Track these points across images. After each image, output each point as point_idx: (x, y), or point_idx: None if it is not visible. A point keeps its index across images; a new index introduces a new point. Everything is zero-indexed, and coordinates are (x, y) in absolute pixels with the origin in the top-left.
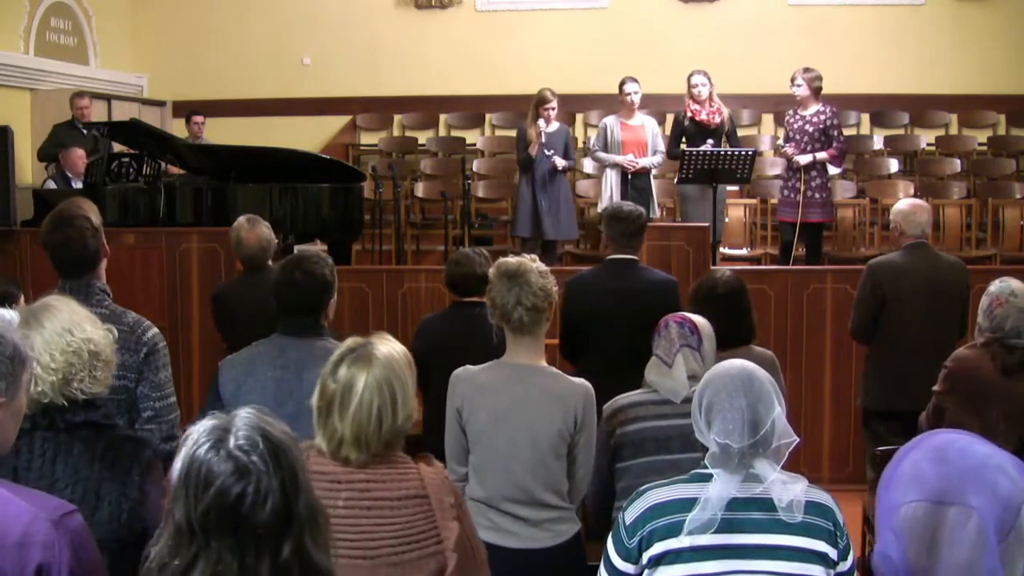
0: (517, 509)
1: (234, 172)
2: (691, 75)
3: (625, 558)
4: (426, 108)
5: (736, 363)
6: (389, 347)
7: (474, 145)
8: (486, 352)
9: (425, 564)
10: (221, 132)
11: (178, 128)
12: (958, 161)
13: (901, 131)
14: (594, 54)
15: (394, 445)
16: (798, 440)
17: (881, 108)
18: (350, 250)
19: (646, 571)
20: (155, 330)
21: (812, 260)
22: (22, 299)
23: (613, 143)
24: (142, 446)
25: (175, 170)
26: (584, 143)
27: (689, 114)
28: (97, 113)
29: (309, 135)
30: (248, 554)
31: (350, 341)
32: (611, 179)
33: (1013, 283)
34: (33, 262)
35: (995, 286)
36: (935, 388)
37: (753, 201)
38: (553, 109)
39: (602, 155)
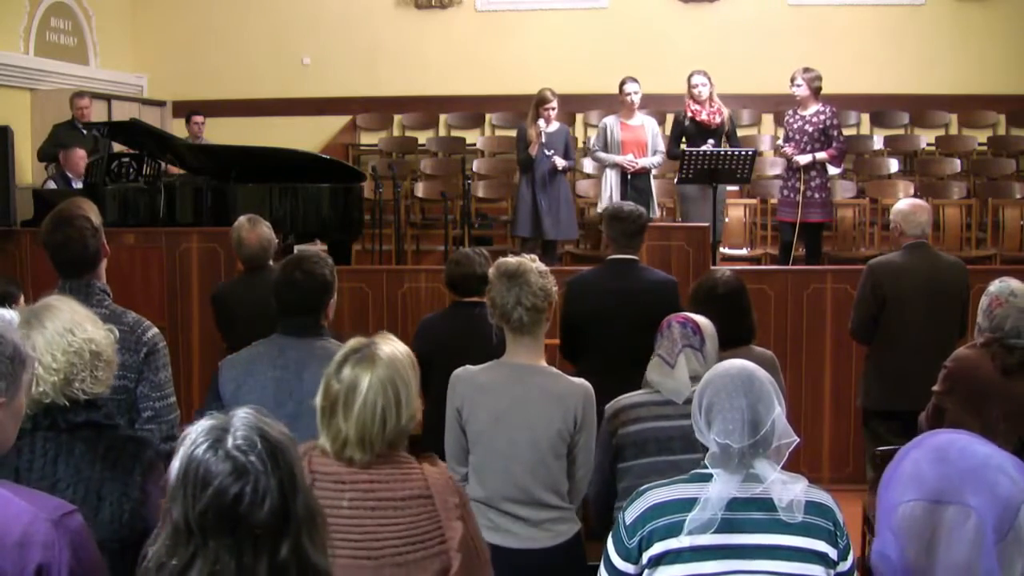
0: (517, 509)
1: (234, 172)
2: (691, 75)
3: (625, 558)
4: (426, 108)
5: (736, 363)
6: (393, 347)
7: (474, 145)
8: (486, 352)
9: (429, 564)
10: (221, 132)
11: (178, 128)
12: (958, 161)
13: (901, 131)
14: (594, 54)
15: (398, 445)
16: (798, 440)
17: (881, 108)
18: (350, 250)
19: (646, 571)
20: (155, 330)
21: (812, 260)
22: (22, 299)
23: (613, 143)
24: (144, 446)
25: (175, 170)
26: (584, 143)
27: (689, 114)
28: (97, 113)
29: (309, 135)
30: (246, 554)
31: (353, 341)
32: (611, 179)
33: (1013, 283)
34: (33, 262)
35: (995, 286)
36: (935, 388)
37: (753, 201)
38: (553, 109)
39: (602, 155)
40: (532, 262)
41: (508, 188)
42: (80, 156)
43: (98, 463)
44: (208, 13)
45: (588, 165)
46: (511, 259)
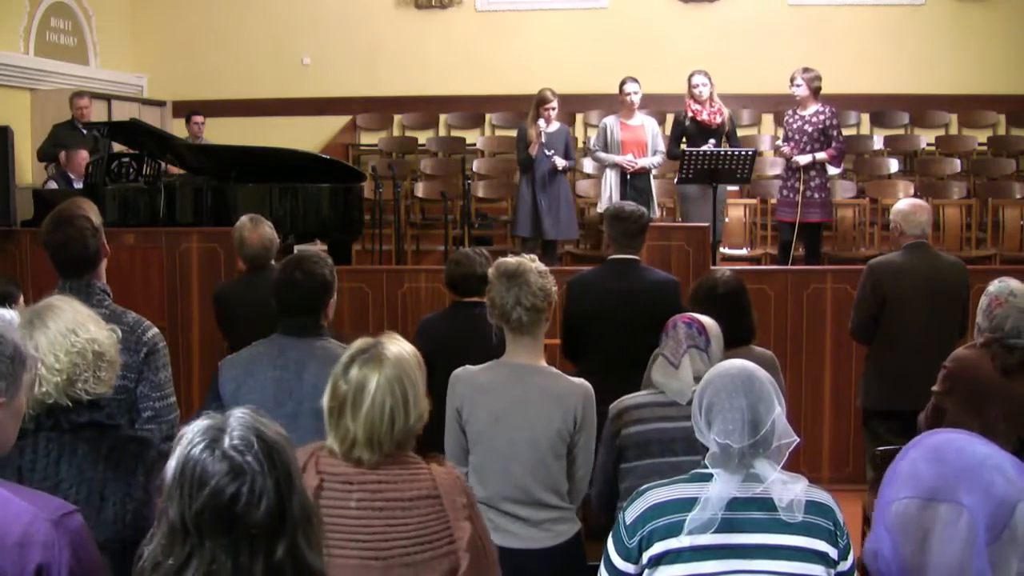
0: (517, 509)
1: (234, 172)
2: (692, 75)
3: (625, 558)
4: (426, 108)
5: (736, 363)
6: (399, 347)
7: (474, 145)
8: (486, 352)
9: (438, 564)
10: (221, 132)
11: (178, 128)
12: (958, 161)
13: (901, 131)
14: (594, 54)
15: (406, 446)
16: (798, 440)
17: (881, 108)
18: (350, 250)
19: (646, 571)
20: (155, 330)
21: (811, 260)
22: (22, 299)
23: (613, 143)
24: (146, 446)
25: (175, 170)
26: (584, 143)
27: (690, 114)
28: (97, 113)
29: (309, 135)
30: (242, 554)
31: (360, 342)
32: (610, 179)
33: (1012, 283)
34: (33, 262)
35: (994, 286)
36: (934, 388)
37: (753, 201)
38: (553, 109)
39: (602, 155)
40: (532, 262)
41: (508, 188)
42: (83, 157)
43: (101, 463)
44: (208, 13)
45: (588, 165)
46: (511, 259)
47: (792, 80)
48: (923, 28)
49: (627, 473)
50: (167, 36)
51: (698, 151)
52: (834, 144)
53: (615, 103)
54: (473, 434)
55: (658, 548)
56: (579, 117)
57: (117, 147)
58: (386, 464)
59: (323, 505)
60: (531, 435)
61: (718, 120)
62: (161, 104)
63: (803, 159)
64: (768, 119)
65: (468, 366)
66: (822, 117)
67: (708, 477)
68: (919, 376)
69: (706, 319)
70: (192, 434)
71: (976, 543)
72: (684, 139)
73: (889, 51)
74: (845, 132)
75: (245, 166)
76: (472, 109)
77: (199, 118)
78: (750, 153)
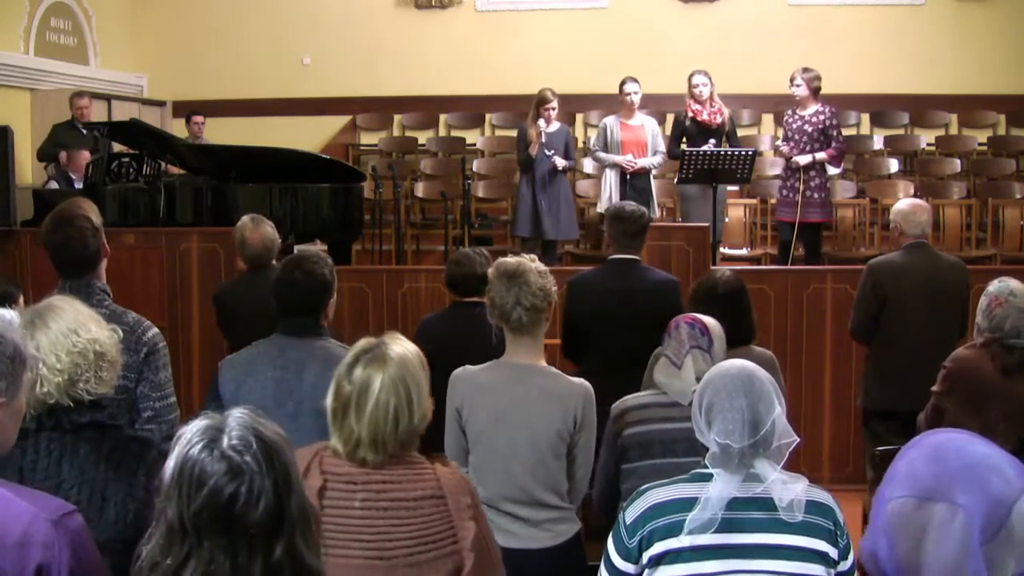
0: (517, 509)
1: (234, 172)
2: (692, 75)
3: (625, 557)
4: (426, 108)
5: (736, 363)
6: (403, 347)
7: (474, 145)
8: (486, 352)
9: (442, 564)
10: (221, 132)
11: (178, 128)
12: (958, 161)
13: (901, 131)
14: (594, 54)
15: (409, 445)
16: (798, 440)
17: (881, 108)
18: (350, 250)
19: (646, 571)
20: (155, 330)
21: (811, 260)
22: (21, 299)
23: (613, 143)
24: (147, 446)
25: (175, 170)
26: (584, 143)
27: (690, 114)
28: (97, 113)
29: (309, 135)
30: (240, 554)
31: (363, 342)
32: (610, 179)
33: (1012, 283)
34: (33, 262)
35: (994, 286)
36: (934, 388)
37: (753, 201)
38: (553, 109)
39: (602, 155)
40: (532, 262)
41: (508, 188)
42: (85, 157)
43: (102, 463)
44: (208, 13)
45: (588, 165)
46: (510, 259)
47: (792, 80)
48: (923, 28)
49: (629, 474)
50: (167, 36)
51: (698, 151)
52: (834, 144)
53: (615, 103)
54: (473, 434)
55: (658, 548)
56: (579, 117)
57: (117, 147)
58: (390, 464)
59: (327, 505)
60: (531, 435)
61: (718, 120)
62: (161, 104)
63: (803, 159)
64: (768, 119)
65: (468, 366)
66: (822, 117)
67: (708, 477)
68: (919, 376)
69: (709, 320)
70: (190, 434)
71: (971, 543)
72: (684, 139)
73: (889, 51)
74: (845, 132)
75: (245, 166)
76: (472, 109)
77: (199, 118)
78: (750, 153)
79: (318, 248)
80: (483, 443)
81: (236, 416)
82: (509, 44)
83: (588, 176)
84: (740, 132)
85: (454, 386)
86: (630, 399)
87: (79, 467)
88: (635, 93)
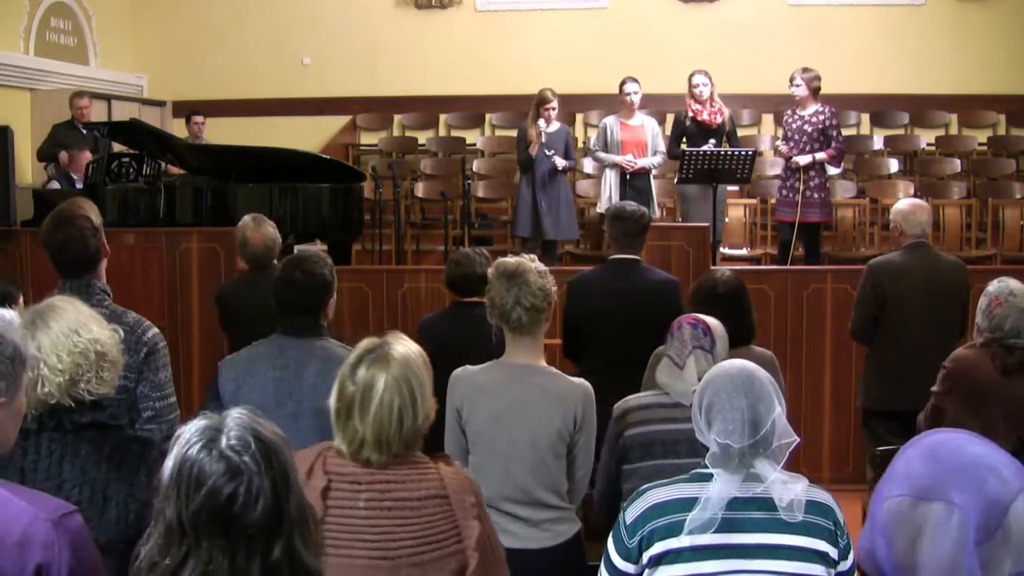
0: (517, 509)
1: (234, 172)
2: (692, 75)
3: (625, 557)
4: (426, 108)
5: (736, 363)
6: (406, 347)
7: (474, 145)
8: (486, 352)
9: (446, 564)
10: (221, 132)
11: (178, 128)
12: (958, 161)
13: (901, 131)
14: (594, 54)
15: (413, 445)
16: (798, 440)
17: (881, 108)
18: (350, 250)
19: (646, 571)
20: (155, 330)
21: (811, 260)
22: (21, 299)
23: (613, 143)
24: (149, 446)
25: (175, 170)
26: (584, 143)
27: (690, 114)
28: (97, 113)
29: (309, 135)
30: (239, 554)
31: (366, 342)
32: (610, 179)
33: (1012, 283)
34: (33, 262)
35: (993, 286)
36: (934, 389)
37: (753, 201)
38: (554, 109)
39: (602, 155)
40: (531, 262)
41: (508, 188)
42: (87, 158)
43: (104, 464)
44: (208, 13)
45: (588, 165)
46: (510, 259)
47: (792, 80)
48: (923, 28)
49: (630, 474)
50: (167, 36)
51: (698, 151)
52: (834, 144)
53: (615, 103)
54: (473, 434)
55: (658, 548)
56: (579, 117)
57: (117, 147)
58: (394, 464)
59: (331, 506)
60: (531, 435)
61: (718, 120)
62: (161, 104)
63: (803, 159)
64: (768, 119)
65: (468, 366)
66: (821, 117)
67: (708, 477)
68: (919, 376)
69: (711, 320)
70: (189, 434)
71: (967, 542)
72: (684, 139)
73: (889, 51)
74: (845, 132)
75: (245, 166)
76: (472, 109)
77: (199, 118)
78: (750, 153)
79: (318, 248)
80: (483, 443)
81: (235, 416)
82: (509, 44)
83: (588, 176)
84: (740, 132)
85: (454, 386)
86: (632, 399)
87: (80, 467)
88: (635, 93)
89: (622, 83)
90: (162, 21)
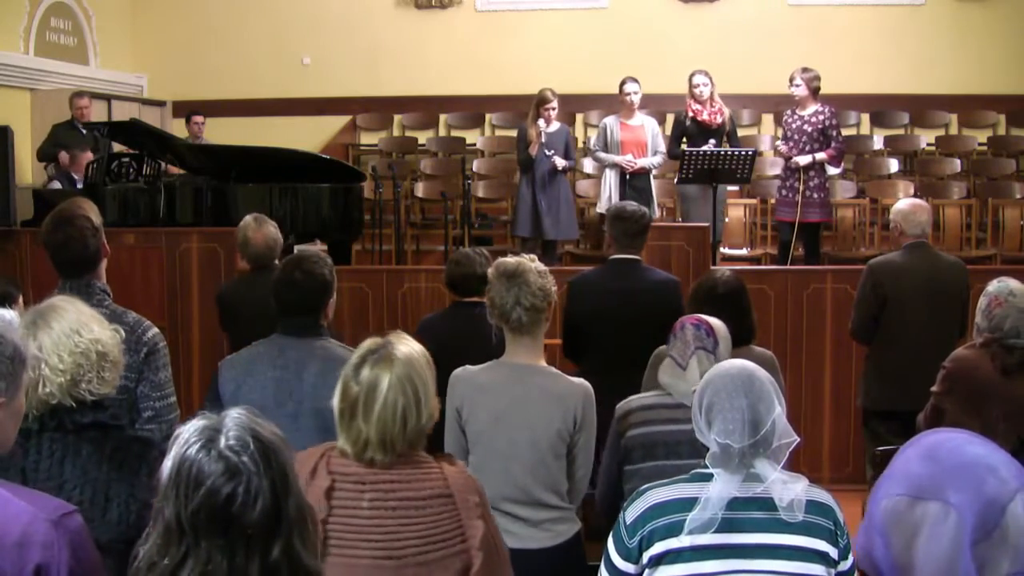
0: (517, 509)
1: (234, 172)
2: (693, 75)
3: (626, 557)
4: (426, 108)
5: (736, 363)
6: (409, 346)
7: (474, 145)
8: (486, 352)
9: (451, 563)
10: (221, 132)
11: (178, 128)
12: (958, 161)
13: (901, 131)
14: (594, 54)
15: (417, 445)
16: (798, 440)
17: (881, 108)
18: (350, 250)
19: (647, 570)
20: (155, 330)
21: (810, 260)
22: (21, 299)
23: (613, 143)
24: (150, 447)
25: (175, 170)
26: (584, 143)
27: (691, 114)
28: (97, 113)
29: (309, 135)
30: (238, 554)
31: (369, 342)
32: (610, 179)
33: (1011, 283)
34: (33, 262)
35: (993, 286)
36: (934, 389)
37: (753, 201)
38: (554, 109)
39: (602, 155)
40: (531, 262)
41: (508, 188)
42: (88, 158)
43: (105, 464)
44: (208, 13)
45: (588, 165)
46: (510, 259)
47: (791, 80)
48: (923, 28)
49: (632, 475)
50: (167, 36)
51: (698, 151)
52: (833, 144)
53: (615, 103)
54: (473, 434)
55: (658, 548)
56: (579, 117)
57: (117, 147)
58: (398, 464)
59: (335, 506)
60: (531, 435)
61: (719, 120)
62: (161, 104)
63: (803, 159)
64: (768, 119)
65: (468, 366)
66: (821, 117)
67: (708, 477)
68: (919, 376)
69: (715, 321)
70: (188, 434)
71: (963, 542)
72: (685, 139)
73: (889, 51)
74: (845, 132)
75: (245, 166)
76: (472, 109)
77: (199, 118)
78: (750, 153)
79: (318, 248)
80: (483, 443)
81: (233, 416)
82: (509, 44)
83: (588, 176)
84: (740, 132)
85: (454, 386)
86: (635, 400)
87: (82, 467)
88: (635, 93)
89: (622, 83)
90: (162, 21)
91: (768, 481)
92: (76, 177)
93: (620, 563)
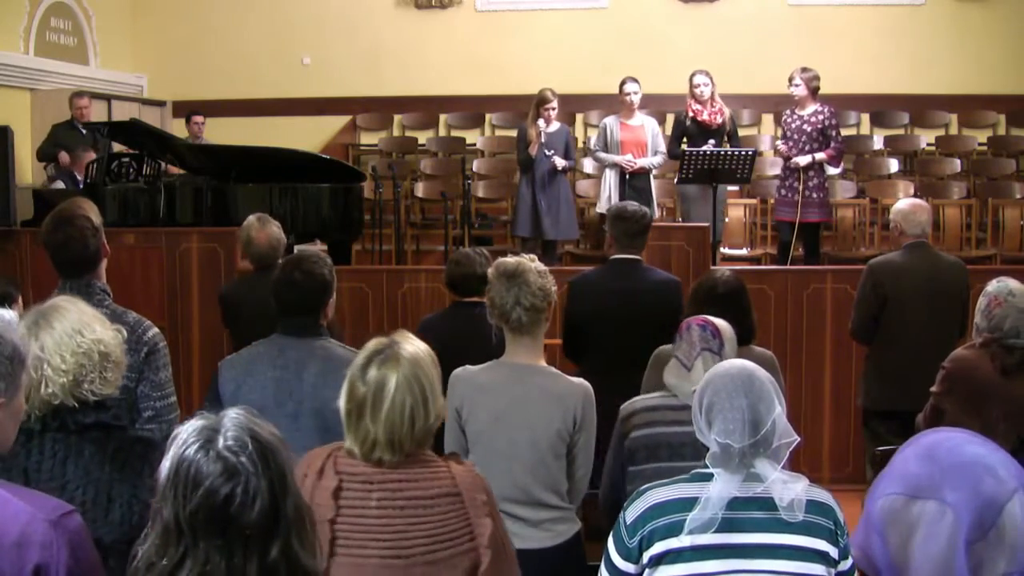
0: (517, 509)
1: (234, 172)
2: (693, 75)
3: (626, 557)
4: (426, 108)
5: (736, 363)
6: (414, 346)
7: (474, 145)
8: (486, 352)
9: (459, 562)
10: (221, 132)
11: (178, 128)
12: (958, 161)
13: (901, 131)
14: (594, 54)
15: (424, 444)
16: (799, 440)
17: (881, 108)
18: (350, 250)
19: (647, 570)
20: (155, 330)
21: (810, 260)
22: (20, 299)
23: (613, 143)
24: (152, 447)
25: (175, 170)
26: (584, 143)
27: (691, 114)
28: (97, 113)
29: (309, 135)
30: (236, 555)
31: (374, 342)
32: (610, 179)
33: (1011, 283)
34: (33, 262)
35: (993, 286)
36: (933, 389)
37: (753, 201)
38: (553, 109)
39: (602, 155)
40: (531, 262)
41: (508, 188)
42: (91, 158)
43: (107, 464)
44: (208, 13)
45: (588, 165)
46: (510, 259)
47: (791, 80)
48: (922, 28)
49: (635, 476)
50: (167, 36)
51: (698, 151)
52: (833, 144)
53: (615, 103)
54: (473, 434)
55: (659, 548)
56: (579, 117)
57: (117, 147)
58: (406, 463)
59: (343, 505)
60: (531, 435)
61: (719, 120)
62: (161, 104)
63: (802, 160)
64: (768, 119)
65: (468, 366)
66: (820, 117)
67: (708, 477)
68: (919, 376)
69: (720, 322)
70: (186, 434)
71: (958, 542)
72: (685, 139)
73: (888, 51)
74: (845, 132)
75: (245, 166)
76: (472, 109)
77: (199, 118)
78: (750, 153)
79: (318, 248)
80: (483, 443)
81: (231, 417)
82: (509, 44)
83: (588, 176)
84: (740, 132)
85: (454, 386)
86: (639, 401)
87: (84, 468)
88: (635, 93)
89: (622, 83)
90: (162, 21)
91: (768, 481)
92: (79, 177)
93: (620, 563)
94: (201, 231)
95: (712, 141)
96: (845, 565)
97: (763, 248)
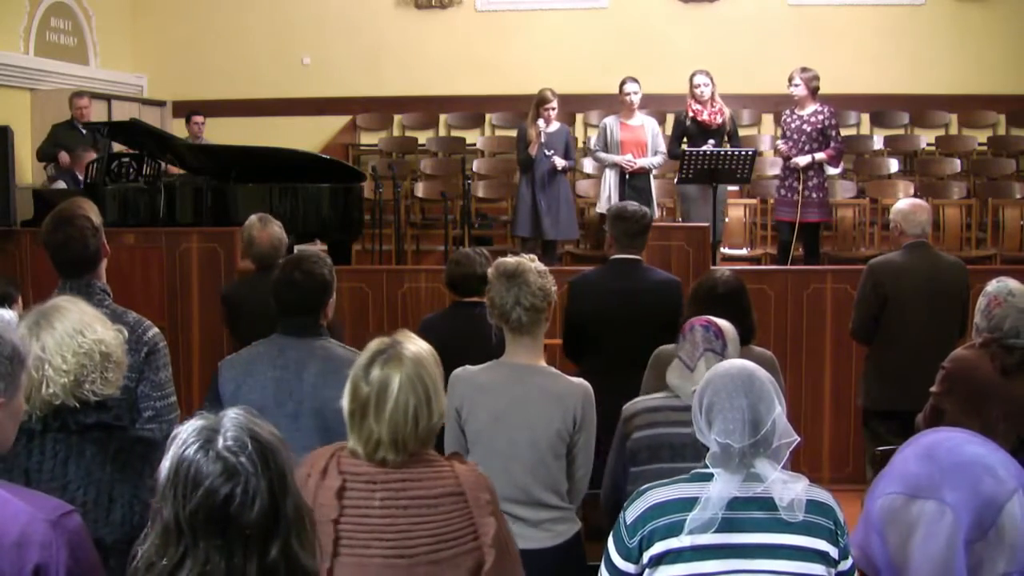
0: (516, 509)
1: (234, 172)
2: (693, 75)
3: (626, 557)
4: (426, 108)
5: (736, 363)
6: (417, 345)
7: (474, 145)
8: (486, 352)
9: (463, 561)
10: (221, 132)
11: (178, 128)
12: (958, 161)
13: (901, 131)
14: (594, 54)
15: (428, 444)
16: (799, 440)
17: (881, 108)
18: (350, 250)
19: (647, 570)
20: (155, 330)
21: (810, 260)
22: (20, 300)
23: (613, 143)
24: (153, 447)
25: (175, 170)
26: (584, 143)
27: (691, 114)
28: (97, 113)
29: (309, 135)
30: (236, 555)
31: (376, 342)
32: (610, 179)
33: (1011, 283)
34: (33, 262)
35: (992, 286)
36: (933, 389)
37: (753, 201)
38: (553, 109)
39: (602, 155)
40: (531, 262)
41: (508, 188)
42: (91, 158)
43: (108, 464)
44: (208, 13)
45: (588, 165)
46: (510, 259)
47: (790, 80)
48: (922, 28)
49: (637, 476)
50: (167, 36)
51: (698, 151)
52: (832, 144)
53: (615, 103)
54: (472, 434)
55: (659, 548)
56: (579, 117)
57: (117, 147)
58: (409, 463)
59: (346, 505)
60: (531, 435)
61: (719, 120)
62: (161, 104)
63: (802, 160)
64: (768, 119)
65: (468, 366)
66: (820, 117)
67: (709, 477)
68: (919, 376)
69: (723, 323)
70: (186, 435)
71: (957, 542)
72: (685, 139)
73: (888, 51)
74: (845, 132)
75: (245, 166)
76: (472, 109)
77: (199, 118)
78: (750, 153)
79: (318, 248)
80: (483, 443)
81: (231, 417)
82: (509, 44)
83: (588, 176)
84: (740, 132)
85: (454, 386)
86: (641, 401)
87: (85, 468)
88: (635, 93)
89: (622, 83)
90: (162, 21)
91: (768, 481)
92: (79, 177)
93: (620, 563)
94: (201, 231)
95: (712, 141)
96: (845, 565)
97: (763, 248)
